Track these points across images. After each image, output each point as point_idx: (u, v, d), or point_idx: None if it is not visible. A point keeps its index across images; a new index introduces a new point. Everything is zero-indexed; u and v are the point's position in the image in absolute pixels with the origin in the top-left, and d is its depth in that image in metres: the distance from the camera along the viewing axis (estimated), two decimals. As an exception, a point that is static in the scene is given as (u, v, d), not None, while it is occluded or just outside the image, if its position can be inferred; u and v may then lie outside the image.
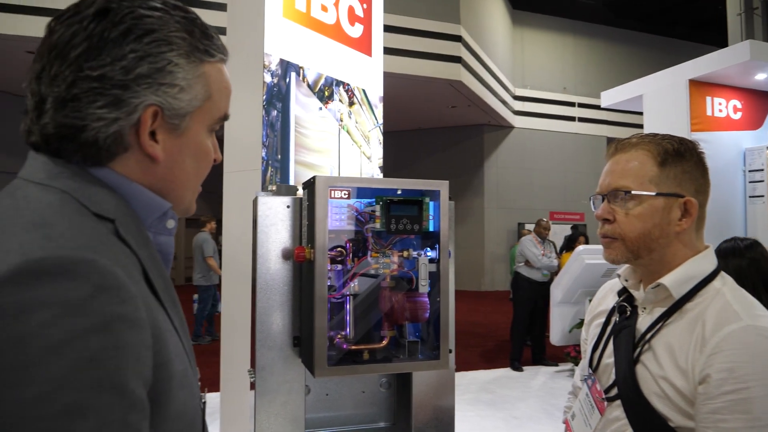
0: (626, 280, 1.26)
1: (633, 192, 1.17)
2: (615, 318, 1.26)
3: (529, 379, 6.59)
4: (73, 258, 0.59)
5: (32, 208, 0.65)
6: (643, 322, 1.18)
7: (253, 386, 1.71)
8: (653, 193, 1.17)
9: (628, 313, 1.22)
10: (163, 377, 0.66)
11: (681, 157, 1.19)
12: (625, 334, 1.19)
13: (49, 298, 0.56)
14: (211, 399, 4.70)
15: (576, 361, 6.41)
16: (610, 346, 1.23)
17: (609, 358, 1.23)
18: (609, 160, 1.25)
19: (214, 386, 3.71)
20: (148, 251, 0.73)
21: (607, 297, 1.37)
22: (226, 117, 0.83)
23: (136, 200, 0.75)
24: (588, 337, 1.38)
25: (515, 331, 7.09)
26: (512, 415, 5.31)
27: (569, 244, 7.61)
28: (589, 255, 5.80)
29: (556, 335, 6.31)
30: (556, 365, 7.02)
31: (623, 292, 1.28)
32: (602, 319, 1.31)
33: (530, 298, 6.99)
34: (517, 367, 6.89)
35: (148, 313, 0.64)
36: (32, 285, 0.56)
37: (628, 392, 1.13)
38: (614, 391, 1.18)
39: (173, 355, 0.69)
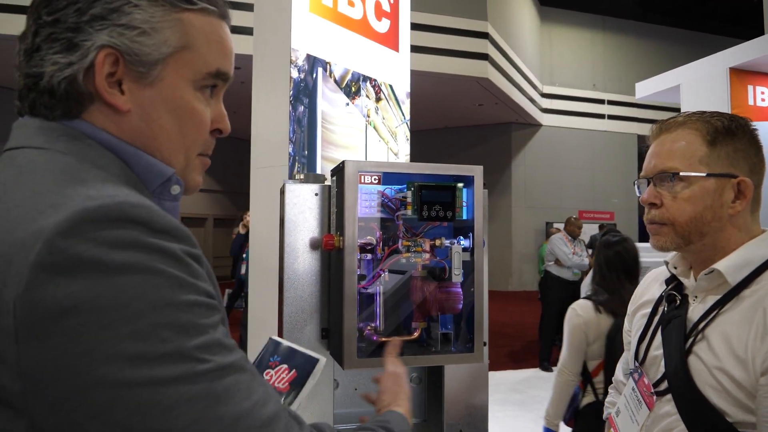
0: (675, 268, 1.19)
1: (681, 173, 1.09)
2: (663, 308, 1.18)
3: (559, 379, 6.46)
4: (130, 203, 0.58)
5: (50, 169, 0.62)
6: (695, 311, 1.11)
7: (280, 379, 1.67)
8: (703, 174, 1.09)
9: (678, 302, 1.15)
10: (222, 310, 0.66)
11: (732, 135, 1.11)
12: (675, 324, 1.12)
13: (122, 241, 0.55)
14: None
15: (607, 361, 6.26)
16: (658, 338, 1.16)
17: (657, 350, 1.15)
18: (653, 142, 1.17)
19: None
20: None
21: (652, 286, 1.30)
22: (221, 75, 0.76)
23: (137, 165, 0.71)
24: (632, 328, 1.30)
25: (544, 330, 6.96)
26: (542, 416, 5.20)
27: (593, 245, 7.45)
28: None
29: (587, 335, 6.18)
30: (586, 366, 6.88)
31: (671, 281, 1.20)
32: (648, 310, 1.24)
33: (560, 297, 6.86)
34: (547, 368, 6.76)
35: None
36: (98, 230, 0.54)
37: (680, 385, 1.06)
38: (664, 385, 1.10)
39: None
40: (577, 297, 6.57)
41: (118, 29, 0.67)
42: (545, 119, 15.97)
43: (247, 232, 6.51)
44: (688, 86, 4.02)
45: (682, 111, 3.88)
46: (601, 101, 16.49)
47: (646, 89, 4.57)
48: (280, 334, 1.68)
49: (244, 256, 6.56)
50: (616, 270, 2.69)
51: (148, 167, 0.71)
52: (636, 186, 1.20)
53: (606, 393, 2.54)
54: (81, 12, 0.66)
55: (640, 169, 1.23)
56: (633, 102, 15.36)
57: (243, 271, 6.55)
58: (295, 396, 1.00)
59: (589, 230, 12.56)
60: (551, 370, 6.73)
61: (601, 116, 16.46)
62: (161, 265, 0.57)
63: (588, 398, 2.69)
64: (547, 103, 15.98)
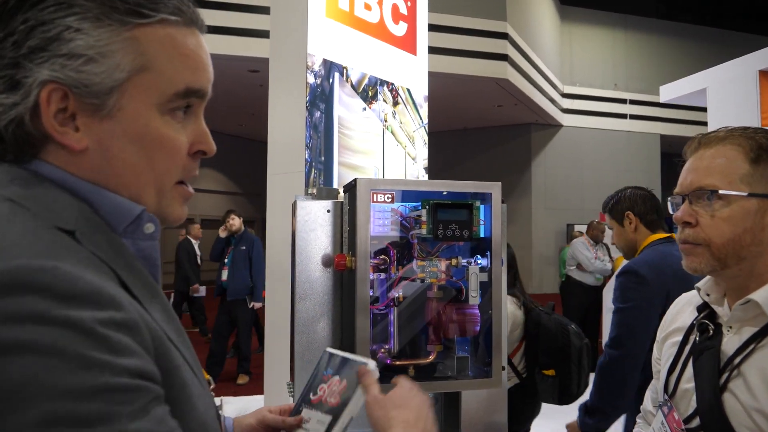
0: (708, 295, 1.11)
1: (720, 192, 1.02)
2: (694, 337, 1.11)
3: (580, 386, 6.35)
4: (29, 267, 0.50)
5: None
6: (730, 343, 1.03)
7: (292, 401, 1.63)
8: (745, 194, 1.01)
9: (711, 332, 1.07)
10: (178, 383, 0.58)
11: None
12: (707, 356, 1.04)
13: (12, 316, 0.47)
14: (257, 402, 4.69)
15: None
16: (689, 370, 1.08)
17: (688, 383, 1.08)
18: (691, 157, 1.10)
19: (258, 389, 3.69)
20: (125, 261, 0.62)
21: (683, 312, 1.22)
22: (192, 92, 0.67)
23: (100, 205, 0.63)
24: (661, 356, 1.23)
25: (566, 336, 6.85)
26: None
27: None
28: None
29: (610, 342, 6.06)
30: (610, 373, 6.75)
31: (704, 308, 1.12)
32: (678, 338, 1.16)
33: (582, 302, 6.74)
34: (568, 375, 6.65)
35: (140, 315, 0.55)
36: None
37: (713, 425, 0.98)
38: (696, 422, 1.03)
39: (179, 362, 0.60)
40: (599, 303, 6.47)
41: (59, 60, 0.60)
42: (566, 120, 15.76)
43: (229, 236, 6.43)
44: (715, 90, 3.90)
45: (708, 116, 3.75)
46: (623, 101, 16.23)
47: (671, 92, 4.45)
48: (292, 354, 1.63)
49: (226, 261, 6.36)
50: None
51: (113, 207, 0.64)
52: (669, 203, 1.13)
53: (529, 374, 2.77)
54: (18, 45, 0.59)
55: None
56: (656, 102, 15.08)
57: (224, 277, 6.31)
58: (341, 410, 0.91)
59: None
60: (573, 377, 6.61)
61: (623, 116, 16.20)
62: (62, 342, 0.48)
63: (512, 381, 2.81)
64: (567, 104, 15.78)
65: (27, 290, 0.48)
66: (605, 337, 6.06)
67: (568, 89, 15.84)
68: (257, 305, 6.17)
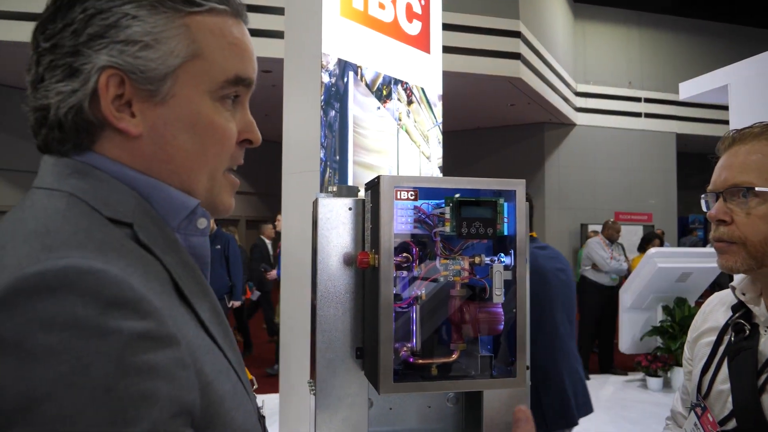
0: (743, 294, 1.08)
1: (757, 189, 0.99)
2: (729, 337, 1.08)
3: (596, 388, 6.29)
4: (79, 268, 0.49)
5: (36, 216, 0.55)
6: None
7: (313, 399, 1.62)
8: None
9: (747, 332, 1.04)
10: (212, 400, 0.56)
11: None
12: (744, 356, 1.02)
13: (53, 319, 0.46)
14: (271, 400, 4.70)
15: (648, 370, 6.06)
16: (724, 370, 1.06)
17: (723, 384, 1.05)
18: (724, 153, 1.07)
19: (274, 388, 3.69)
20: (178, 256, 0.62)
21: (715, 311, 1.19)
22: (241, 80, 0.68)
23: (156, 199, 0.63)
24: (693, 357, 1.20)
25: (581, 337, 6.79)
26: (579, 426, 5.06)
27: (642, 246, 7.22)
28: (662, 258, 5.47)
29: (626, 343, 6.00)
30: (626, 374, 6.68)
31: (739, 308, 1.10)
32: (712, 338, 1.14)
33: (597, 303, 6.69)
34: (584, 375, 6.60)
35: (178, 328, 0.54)
36: (30, 305, 0.46)
37: (751, 426, 0.96)
38: (732, 423, 1.01)
39: (216, 374, 0.59)
40: (615, 303, 6.42)
41: (117, 46, 0.61)
42: (579, 118, 15.65)
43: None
44: (736, 86, 3.84)
45: (729, 113, 3.69)
46: (637, 99, 16.08)
47: (690, 89, 4.38)
48: (313, 353, 1.62)
49: None
50: None
51: (168, 200, 0.64)
52: (703, 200, 1.11)
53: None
54: (77, 33, 0.60)
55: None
56: (671, 100, 14.95)
57: None
58: None
59: (627, 232, 12.25)
60: (588, 378, 6.56)
61: (637, 115, 16.06)
62: (96, 356, 0.47)
63: None
64: (581, 102, 15.67)
65: (72, 293, 0.48)
66: (621, 338, 6.02)
67: (581, 88, 15.73)
68: (236, 304, 6.22)
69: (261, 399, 0.93)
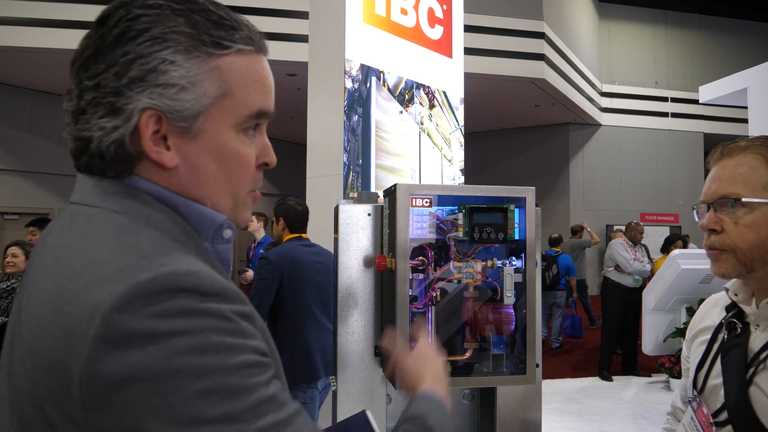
0: (735, 295, 1.15)
1: (743, 199, 1.06)
2: (723, 335, 1.15)
3: (619, 389, 6.28)
4: (178, 272, 0.61)
5: (106, 234, 0.65)
6: (757, 340, 1.07)
7: (335, 395, 1.71)
8: (767, 201, 1.06)
9: (739, 330, 1.11)
10: (276, 363, 0.69)
11: None
12: (735, 353, 1.08)
13: (168, 311, 0.58)
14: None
15: (671, 372, 6.04)
16: (718, 366, 1.13)
17: (716, 379, 1.12)
18: (714, 166, 1.14)
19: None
20: (210, 263, 0.72)
21: (711, 312, 1.26)
22: (263, 113, 0.76)
23: (189, 215, 0.73)
24: (690, 355, 1.27)
25: (604, 338, 6.77)
26: (601, 428, 5.07)
27: (665, 248, 7.17)
28: (686, 260, 5.45)
29: (649, 344, 5.98)
30: (649, 376, 6.65)
31: (732, 308, 1.16)
32: (707, 336, 1.20)
33: (620, 305, 6.65)
34: (606, 377, 6.58)
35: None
36: (148, 304, 0.58)
37: (740, 417, 1.03)
38: (724, 415, 1.07)
39: (274, 346, 0.73)
40: (638, 305, 6.39)
41: (157, 90, 0.67)
42: (605, 119, 15.51)
43: None
44: (756, 89, 3.83)
45: (749, 116, 3.69)
46: (664, 99, 15.88)
47: (710, 93, 4.37)
48: (335, 350, 1.72)
49: None
50: None
51: (200, 216, 0.73)
52: (695, 211, 1.18)
53: None
54: (119, 76, 0.67)
55: (706, 169, 1.20)
56: (698, 99, 14.72)
57: None
58: None
59: (653, 233, 12.13)
60: (611, 380, 6.55)
61: (664, 114, 15.86)
62: (210, 329, 0.59)
63: None
64: (606, 102, 15.53)
65: (180, 291, 0.59)
66: (644, 340, 5.99)
67: (607, 88, 15.59)
68: None
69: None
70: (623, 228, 7.34)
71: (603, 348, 6.77)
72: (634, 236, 6.72)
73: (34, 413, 0.60)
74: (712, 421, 1.10)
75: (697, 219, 1.15)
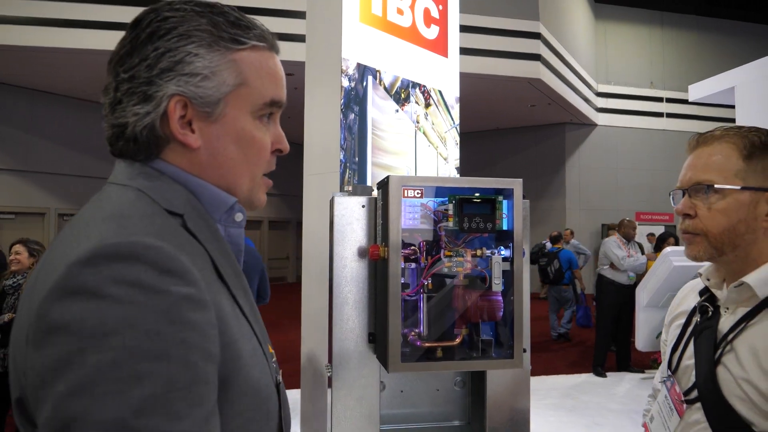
0: (708, 279, 1.22)
1: (716, 186, 1.13)
2: (696, 318, 1.21)
3: (613, 385, 6.35)
4: (144, 244, 0.65)
5: (112, 204, 0.74)
6: (726, 322, 1.14)
7: (330, 382, 1.77)
8: (738, 187, 1.12)
9: (710, 313, 1.18)
10: (231, 356, 0.71)
11: None
12: (706, 335, 1.15)
13: (123, 277, 0.62)
14: (291, 395, 4.85)
15: (664, 368, 6.10)
16: (691, 348, 1.19)
17: (689, 360, 1.18)
18: (690, 154, 1.21)
19: (295, 383, 3.83)
20: (218, 244, 0.79)
21: (688, 297, 1.33)
22: (276, 103, 0.85)
23: (203, 196, 0.80)
24: (668, 338, 1.34)
25: (599, 335, 6.84)
26: (595, 422, 5.14)
27: (658, 246, 7.24)
28: (678, 257, 5.52)
29: (642, 341, 6.05)
30: (642, 372, 6.73)
31: (705, 292, 1.23)
32: (682, 320, 1.27)
33: (615, 302, 6.72)
34: (600, 373, 6.65)
35: (212, 297, 0.70)
36: (107, 265, 0.63)
37: (708, 395, 1.09)
38: (694, 394, 1.14)
39: (239, 336, 0.74)
40: (633, 302, 6.46)
41: (183, 78, 0.77)
42: (600, 119, 15.60)
43: None
44: (742, 88, 3.90)
45: (736, 114, 3.76)
46: (659, 99, 15.97)
47: (699, 91, 4.44)
48: (330, 338, 1.78)
49: None
50: None
51: (212, 197, 0.81)
52: (671, 197, 1.24)
53: None
54: (151, 67, 0.77)
55: None
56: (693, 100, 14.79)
57: None
58: None
59: (646, 232, 12.20)
60: (605, 376, 6.62)
61: (659, 115, 15.95)
62: (155, 303, 0.62)
63: None
64: (602, 103, 15.62)
65: (138, 261, 0.64)
66: (638, 336, 6.06)
67: (602, 88, 15.67)
68: None
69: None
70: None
71: (598, 345, 6.84)
72: (627, 233, 6.79)
73: (15, 366, 0.68)
74: (683, 399, 1.17)
75: (673, 204, 1.21)
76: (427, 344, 1.60)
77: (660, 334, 4.63)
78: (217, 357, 0.68)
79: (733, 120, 4.38)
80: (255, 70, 0.82)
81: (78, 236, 0.68)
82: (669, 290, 5.70)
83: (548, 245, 9.27)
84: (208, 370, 0.66)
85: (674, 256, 5.54)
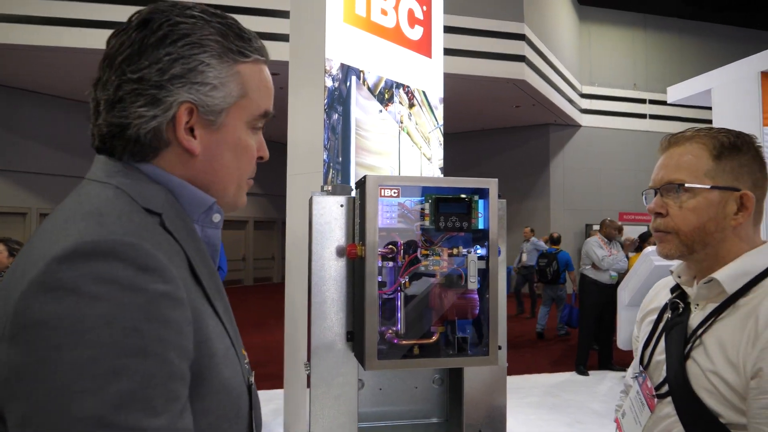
0: (679, 277, 1.24)
1: (687, 185, 1.15)
2: (667, 315, 1.24)
3: (595, 383, 6.42)
4: (122, 241, 0.66)
5: (91, 201, 0.74)
6: (696, 318, 1.16)
7: (309, 380, 1.78)
8: (708, 186, 1.15)
9: (681, 309, 1.20)
10: (204, 353, 0.72)
11: (738, 151, 1.17)
12: (677, 330, 1.17)
13: (101, 274, 0.63)
14: (276, 395, 4.84)
15: (645, 366, 6.18)
16: (662, 343, 1.22)
17: (660, 355, 1.21)
18: (662, 154, 1.24)
19: (279, 382, 3.83)
20: (195, 243, 0.80)
21: (659, 294, 1.35)
22: (267, 114, 0.88)
23: (182, 196, 0.81)
24: (640, 334, 1.36)
25: (582, 334, 6.91)
26: (577, 420, 5.19)
27: (639, 246, 7.33)
28: (658, 257, 5.59)
29: (624, 339, 6.11)
30: (624, 370, 6.80)
31: (676, 289, 1.25)
32: (654, 317, 1.30)
33: (597, 301, 6.79)
34: (583, 372, 6.72)
35: (188, 294, 0.71)
36: (86, 263, 0.63)
37: (678, 388, 1.11)
38: (665, 388, 1.16)
39: (213, 335, 0.75)
40: (614, 301, 6.52)
41: (195, 86, 0.79)
42: (584, 120, 15.75)
43: None
44: (719, 90, 3.97)
45: (713, 116, 3.83)
46: (642, 101, 16.16)
47: (677, 93, 4.51)
48: (309, 337, 1.78)
49: None
50: None
51: (192, 197, 0.83)
52: (644, 196, 1.26)
53: None
54: (163, 72, 0.77)
55: None
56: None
57: None
58: None
59: (632, 232, 12.33)
60: (587, 374, 6.68)
61: (642, 116, 16.13)
62: (132, 300, 0.63)
63: None
64: (586, 104, 15.76)
65: (117, 258, 0.65)
66: (619, 335, 6.12)
67: (586, 89, 15.82)
68: None
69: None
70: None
71: (580, 344, 6.91)
72: (608, 233, 6.86)
73: None
74: (654, 393, 1.19)
75: (645, 203, 1.24)
76: (404, 342, 1.62)
77: (641, 332, 4.64)
78: (191, 354, 0.69)
79: (711, 122, 4.45)
80: (255, 82, 0.85)
81: (56, 233, 0.68)
82: (650, 289, 5.77)
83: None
84: (183, 366, 0.67)
85: (655, 255, 5.61)
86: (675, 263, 1.28)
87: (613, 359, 6.96)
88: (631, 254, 7.41)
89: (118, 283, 0.63)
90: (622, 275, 6.81)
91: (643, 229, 13.98)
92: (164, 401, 0.63)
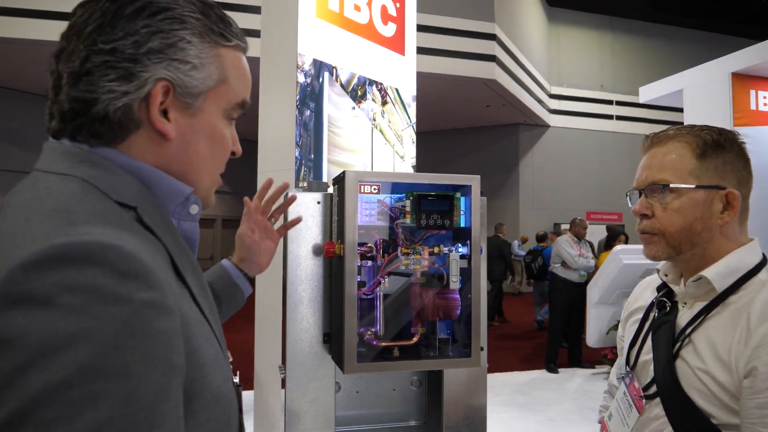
0: (665, 275, 1.22)
1: (672, 185, 1.13)
2: (654, 314, 1.22)
3: (564, 381, 6.48)
4: (100, 243, 0.57)
5: (54, 197, 0.64)
6: (684, 316, 1.14)
7: (283, 383, 1.72)
8: (693, 186, 1.12)
9: (668, 308, 1.18)
10: (195, 364, 0.65)
11: (721, 148, 1.15)
12: (664, 329, 1.15)
13: (76, 283, 0.54)
14: (245, 396, 4.75)
15: (613, 363, 6.27)
16: (649, 343, 1.19)
17: (647, 355, 1.19)
18: (645, 154, 1.21)
19: (248, 384, 3.74)
20: (174, 238, 0.72)
21: (644, 293, 1.33)
22: (244, 104, 0.82)
23: (157, 186, 0.73)
24: (625, 334, 1.34)
25: (552, 332, 6.97)
26: (547, 417, 5.22)
27: (609, 244, 7.43)
28: (627, 255, 5.66)
29: (593, 337, 6.18)
30: (593, 367, 6.89)
31: (662, 288, 1.23)
32: (639, 316, 1.27)
33: (567, 299, 6.86)
34: (553, 369, 6.78)
35: (175, 300, 0.62)
36: (57, 270, 0.54)
37: (667, 389, 1.09)
38: (653, 389, 1.14)
39: (202, 341, 0.68)
40: (584, 299, 6.60)
41: (174, 63, 0.72)
42: (553, 120, 15.95)
43: None
44: (690, 91, 4.02)
45: (684, 116, 3.87)
46: (609, 102, 16.44)
47: (649, 93, 4.57)
48: (283, 339, 1.72)
49: None
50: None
51: (167, 187, 0.74)
52: (628, 197, 1.24)
53: None
54: (139, 44, 0.70)
55: None
56: (642, 103, 15.32)
57: None
58: None
59: (598, 231, 12.54)
60: (557, 372, 6.74)
61: (609, 117, 16.42)
62: (113, 313, 0.54)
63: None
64: (555, 104, 15.96)
65: (94, 264, 0.56)
66: (588, 333, 6.19)
67: (555, 90, 16.02)
68: None
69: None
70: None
71: (550, 341, 6.97)
72: (578, 232, 6.94)
73: None
74: (642, 394, 1.17)
75: (629, 205, 1.21)
76: (383, 344, 1.57)
77: (610, 330, 4.76)
78: (182, 368, 0.61)
79: (681, 122, 4.51)
80: (235, 68, 0.79)
81: (18, 235, 0.58)
82: (619, 287, 5.84)
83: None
84: (172, 385, 0.59)
85: (624, 254, 5.68)
86: (650, 263, 1.26)
87: (582, 357, 7.04)
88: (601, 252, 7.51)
89: (96, 293, 0.54)
90: (590, 274, 6.89)
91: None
92: (148, 428, 0.55)
